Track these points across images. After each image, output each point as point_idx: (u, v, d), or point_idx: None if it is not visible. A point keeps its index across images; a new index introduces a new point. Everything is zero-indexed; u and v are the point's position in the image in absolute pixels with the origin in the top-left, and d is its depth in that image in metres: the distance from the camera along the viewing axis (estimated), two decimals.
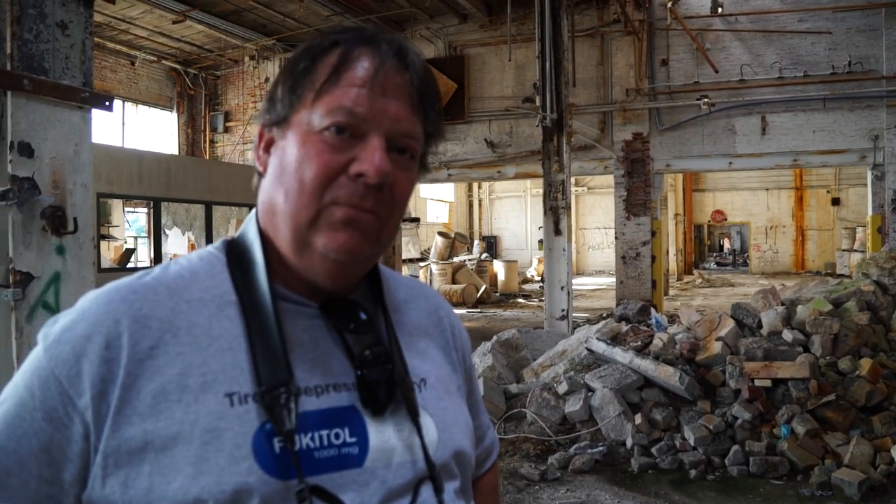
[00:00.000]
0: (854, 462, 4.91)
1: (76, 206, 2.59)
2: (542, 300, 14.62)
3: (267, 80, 18.53)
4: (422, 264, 20.61)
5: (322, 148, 0.82)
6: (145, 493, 0.74)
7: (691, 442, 5.35)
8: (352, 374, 0.87)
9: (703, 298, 19.16)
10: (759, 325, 6.25)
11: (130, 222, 21.05)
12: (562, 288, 10.15)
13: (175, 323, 0.81)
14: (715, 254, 40.27)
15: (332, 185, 0.82)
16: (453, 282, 19.26)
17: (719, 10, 13.30)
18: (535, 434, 5.85)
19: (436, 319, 1.05)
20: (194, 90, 19.46)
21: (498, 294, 20.42)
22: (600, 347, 6.40)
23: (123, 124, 17.97)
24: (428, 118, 0.88)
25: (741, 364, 5.72)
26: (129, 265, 14.43)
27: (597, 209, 31.58)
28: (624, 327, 7.44)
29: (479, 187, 33.36)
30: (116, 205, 17.51)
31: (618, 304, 13.39)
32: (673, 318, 8.38)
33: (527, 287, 23.53)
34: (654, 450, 5.39)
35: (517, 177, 16.60)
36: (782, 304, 6.44)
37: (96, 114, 2.85)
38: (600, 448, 5.50)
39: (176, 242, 14.32)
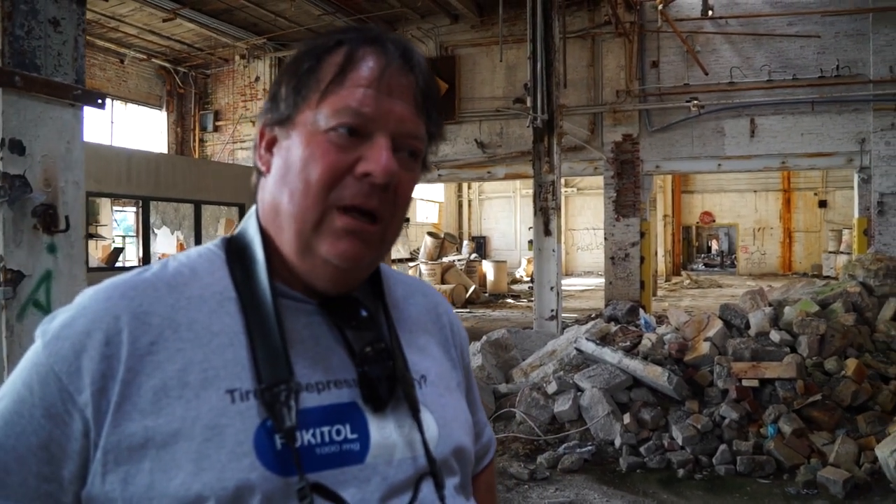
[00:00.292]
0: (839, 461, 4.96)
1: (68, 205, 2.57)
2: (531, 300, 14.64)
3: (257, 79, 18.45)
4: (411, 264, 20.59)
5: (328, 148, 0.82)
6: (146, 490, 0.74)
7: (679, 441, 5.38)
8: (352, 370, 0.87)
9: (691, 299, 19.24)
10: (747, 326, 6.29)
11: (118, 221, 20.96)
12: (551, 288, 10.17)
13: (175, 319, 0.81)
14: (703, 255, 40.44)
15: (338, 185, 0.82)
16: (442, 282, 19.26)
17: (709, 12, 13.37)
18: (524, 434, 5.87)
19: (434, 316, 1.05)
20: (184, 89, 19.37)
21: (487, 294, 20.43)
22: (589, 347, 6.42)
23: (112, 122, 17.86)
24: (430, 119, 0.89)
25: (729, 364, 5.76)
26: (118, 264, 14.37)
27: (586, 210, 31.64)
28: (613, 328, 7.47)
29: (469, 188, 33.36)
30: (104, 204, 17.43)
31: (607, 305, 13.45)
32: (661, 319, 8.43)
33: (516, 287, 23.56)
34: (642, 449, 5.42)
35: (507, 177, 16.63)
36: (770, 305, 6.49)
37: (86, 111, 2.85)
38: (589, 447, 5.52)
39: (165, 242, 14.26)
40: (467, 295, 18.72)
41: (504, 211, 33.31)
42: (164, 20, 15.50)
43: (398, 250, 20.13)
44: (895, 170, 12.93)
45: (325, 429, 0.82)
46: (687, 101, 13.77)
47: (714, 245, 42.30)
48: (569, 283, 23.90)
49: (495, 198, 33.50)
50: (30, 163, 2.48)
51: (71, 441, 0.76)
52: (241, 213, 13.31)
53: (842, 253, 22.98)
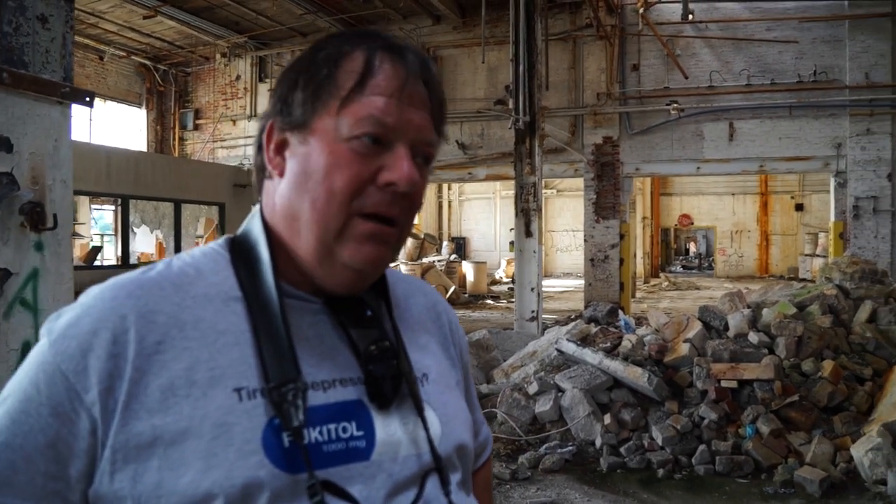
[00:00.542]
0: (815, 460, 5.04)
1: (55, 203, 2.55)
2: (510, 301, 14.70)
3: (238, 77, 18.35)
4: (391, 265, 20.55)
5: (352, 157, 0.83)
6: (155, 488, 0.74)
7: (659, 442, 5.44)
8: (357, 368, 0.88)
9: (669, 301, 19.39)
10: (726, 328, 6.36)
11: (96, 220, 20.75)
12: (532, 289, 10.22)
13: (181, 318, 0.81)
14: (681, 257, 40.68)
15: (361, 194, 0.84)
16: None
17: (690, 17, 13.53)
18: (505, 434, 5.90)
19: (434, 315, 1.07)
20: (164, 87, 19.22)
21: (467, 295, 20.46)
22: (570, 348, 6.46)
23: (91, 120, 17.67)
24: (440, 125, 0.91)
25: (708, 365, 5.82)
26: (96, 263, 14.22)
27: (565, 212, 31.75)
28: (593, 329, 7.51)
29: (449, 188, 33.33)
30: (82, 202, 17.25)
31: (587, 306, 13.54)
32: (641, 320, 8.50)
33: (495, 288, 23.58)
34: (622, 449, 5.46)
35: (488, 178, 16.68)
36: (748, 307, 6.56)
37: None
38: (570, 448, 5.57)
39: (144, 240, 14.15)
40: (447, 296, 18.71)
41: (484, 212, 33.34)
42: (145, 17, 15.40)
43: None
44: (870, 174, 13.16)
45: (332, 426, 0.83)
46: (667, 105, 13.91)
47: (692, 247, 42.61)
48: (548, 285, 23.93)
49: (475, 199, 33.51)
50: (17, 160, 2.46)
51: (78, 440, 0.76)
52: (222, 212, 13.23)
53: (818, 256, 23.25)
